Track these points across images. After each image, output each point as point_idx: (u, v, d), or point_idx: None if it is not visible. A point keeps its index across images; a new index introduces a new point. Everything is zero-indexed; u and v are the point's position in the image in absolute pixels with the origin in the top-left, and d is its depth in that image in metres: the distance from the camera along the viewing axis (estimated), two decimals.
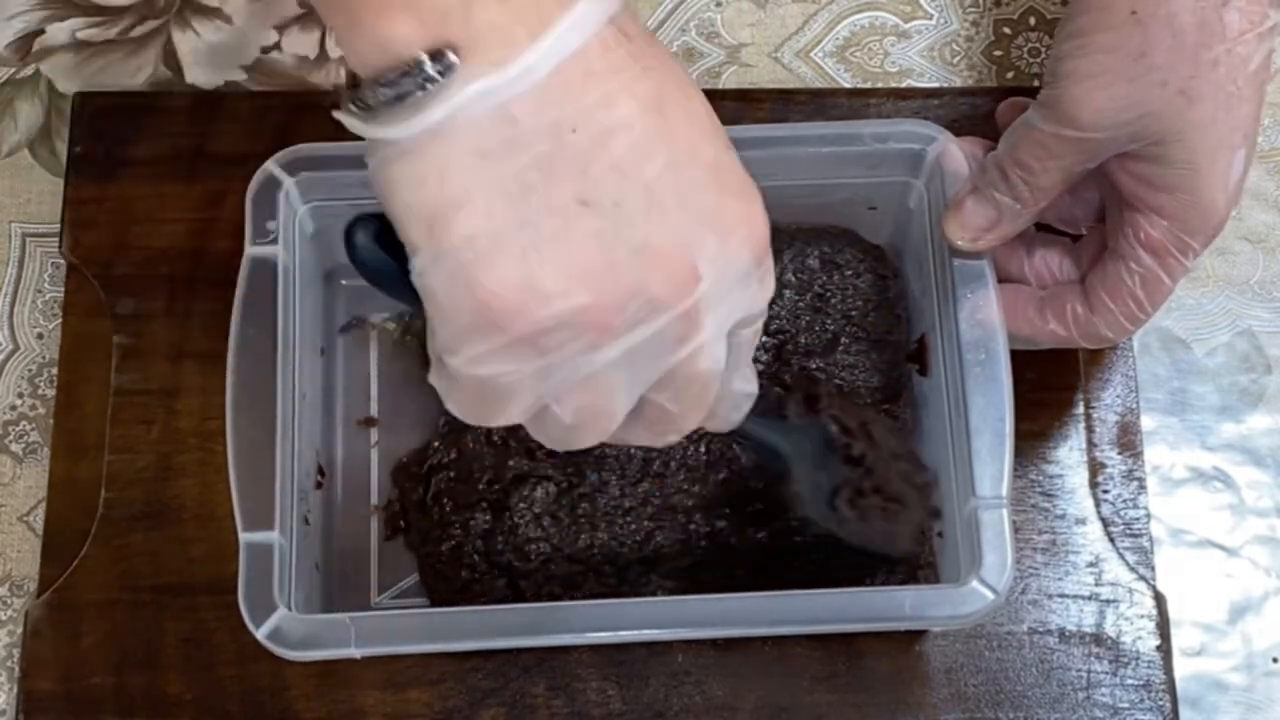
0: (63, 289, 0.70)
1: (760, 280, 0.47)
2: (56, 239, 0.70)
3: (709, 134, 0.45)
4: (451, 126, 0.41)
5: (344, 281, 0.69)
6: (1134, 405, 0.68)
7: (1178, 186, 0.57)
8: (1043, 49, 0.75)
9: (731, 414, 0.53)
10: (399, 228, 0.43)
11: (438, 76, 0.41)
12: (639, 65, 0.43)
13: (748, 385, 0.52)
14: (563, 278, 0.42)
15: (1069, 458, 0.67)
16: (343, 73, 0.44)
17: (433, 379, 0.46)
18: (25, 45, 0.75)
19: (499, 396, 0.45)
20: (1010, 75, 0.74)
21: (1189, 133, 0.56)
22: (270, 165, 0.62)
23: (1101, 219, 0.63)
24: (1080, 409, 0.68)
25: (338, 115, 0.43)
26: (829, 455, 0.60)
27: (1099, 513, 0.67)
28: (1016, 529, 0.65)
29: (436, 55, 0.41)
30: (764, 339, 0.67)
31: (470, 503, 0.65)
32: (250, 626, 0.57)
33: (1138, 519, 0.67)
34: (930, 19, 0.75)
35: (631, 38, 0.43)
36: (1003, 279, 0.62)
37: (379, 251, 0.45)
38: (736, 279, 0.45)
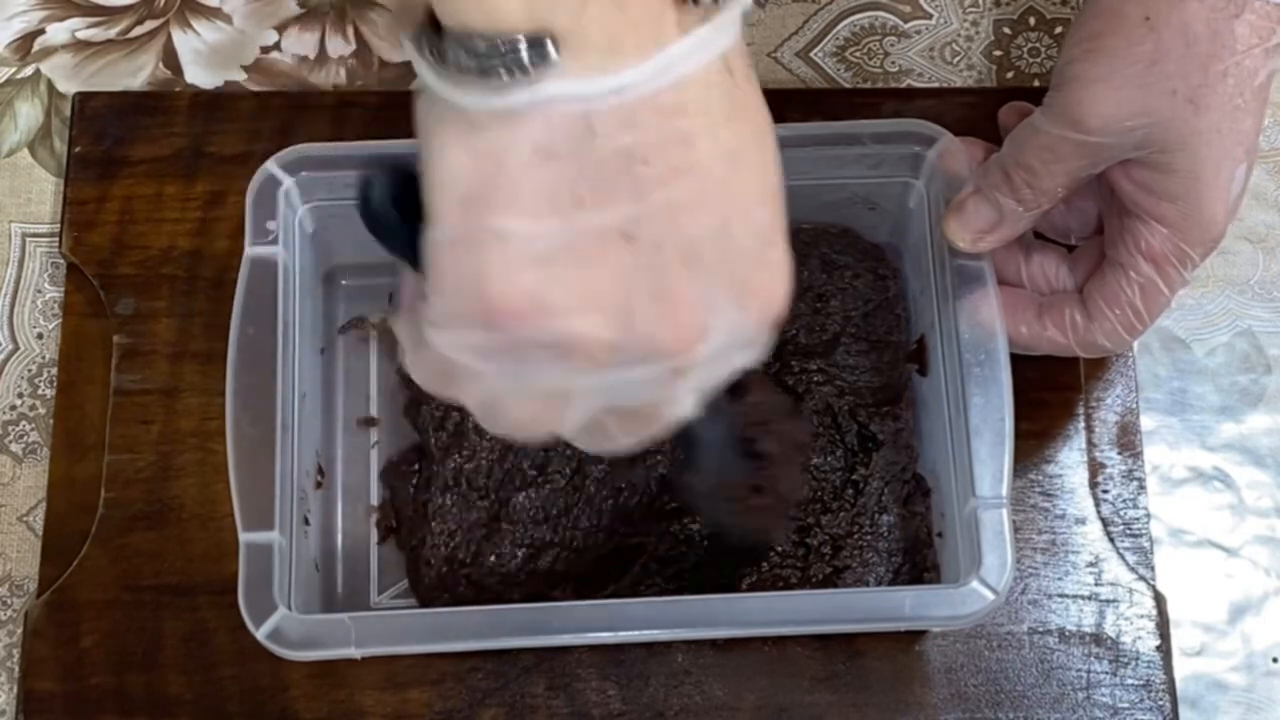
0: (63, 289, 0.70)
1: (757, 347, 0.46)
2: (56, 239, 0.70)
3: (770, 196, 0.44)
4: (526, 116, 0.39)
5: (344, 281, 0.69)
6: (1134, 405, 0.68)
7: (1180, 196, 0.58)
8: (1043, 49, 0.75)
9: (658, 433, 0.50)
10: (430, 190, 0.41)
11: (530, 66, 0.38)
12: (731, 107, 0.41)
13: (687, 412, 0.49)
14: (576, 301, 0.41)
15: (1069, 458, 0.67)
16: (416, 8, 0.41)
17: (400, 331, 0.45)
18: (25, 45, 0.75)
19: (462, 379, 0.44)
20: (1010, 75, 0.74)
21: (1194, 142, 0.56)
22: (270, 165, 0.62)
23: (1096, 232, 0.63)
24: (1080, 409, 0.68)
25: (406, 46, 0.40)
26: (730, 448, 0.58)
27: (1099, 513, 0.67)
28: (1016, 529, 0.65)
29: (535, 43, 0.38)
30: None
31: (459, 501, 0.65)
32: (250, 626, 0.57)
33: (1138, 519, 0.67)
34: (930, 19, 0.75)
35: (734, 75, 0.42)
36: (999, 282, 0.62)
37: (393, 212, 0.43)
38: (738, 345, 0.44)
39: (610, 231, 0.40)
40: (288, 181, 0.62)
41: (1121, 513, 0.67)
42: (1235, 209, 0.58)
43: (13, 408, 0.69)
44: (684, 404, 0.46)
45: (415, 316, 0.44)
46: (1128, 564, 0.66)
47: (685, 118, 0.40)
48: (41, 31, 0.75)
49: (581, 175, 0.40)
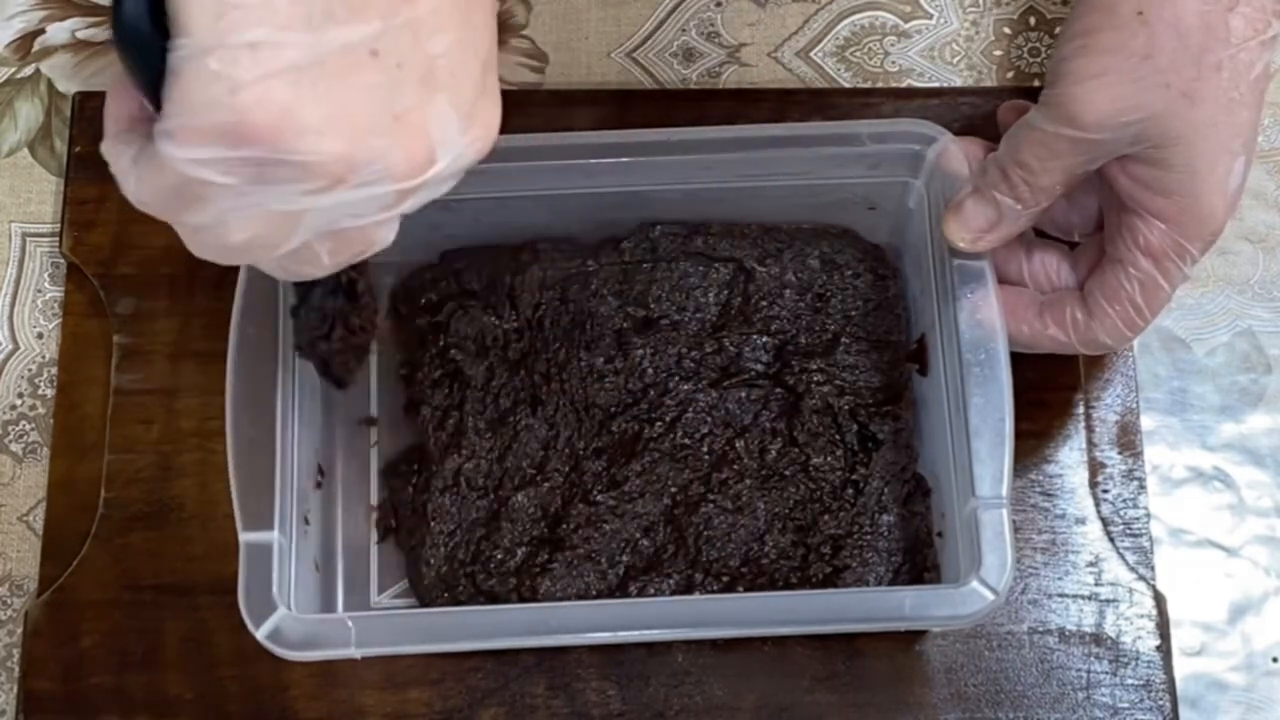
0: (63, 289, 0.70)
1: (458, 178, 0.47)
2: (56, 239, 0.70)
3: (490, 31, 0.45)
4: None
5: None
6: (1134, 405, 0.68)
7: (1177, 190, 0.58)
8: (1043, 49, 0.75)
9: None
10: (180, 3, 0.40)
11: None
12: None
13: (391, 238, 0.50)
14: (325, 119, 0.41)
15: (1069, 458, 0.67)
16: None
17: (113, 155, 0.45)
18: (25, 45, 0.75)
19: (190, 199, 0.44)
20: (1010, 75, 0.74)
21: (1190, 136, 0.56)
22: None
23: (1098, 229, 0.63)
24: (1080, 409, 0.68)
25: None
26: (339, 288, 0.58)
27: (1099, 513, 0.67)
28: (1016, 529, 0.65)
29: None
30: (764, 339, 0.67)
31: (458, 501, 0.65)
32: (250, 627, 0.57)
33: (1138, 519, 0.67)
34: (930, 19, 0.75)
35: None
36: (1001, 281, 0.62)
37: (147, 21, 0.42)
38: (454, 173, 0.46)
39: (359, 49, 0.41)
40: None
41: (1121, 513, 0.67)
42: (1234, 203, 0.58)
43: (13, 408, 0.69)
44: (391, 229, 0.47)
45: (135, 137, 0.44)
46: (1128, 564, 0.66)
47: None
48: (41, 31, 0.75)
49: None
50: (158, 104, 0.42)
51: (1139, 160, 0.58)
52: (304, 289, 0.57)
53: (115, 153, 0.45)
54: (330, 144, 0.41)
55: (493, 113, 0.46)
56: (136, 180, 0.45)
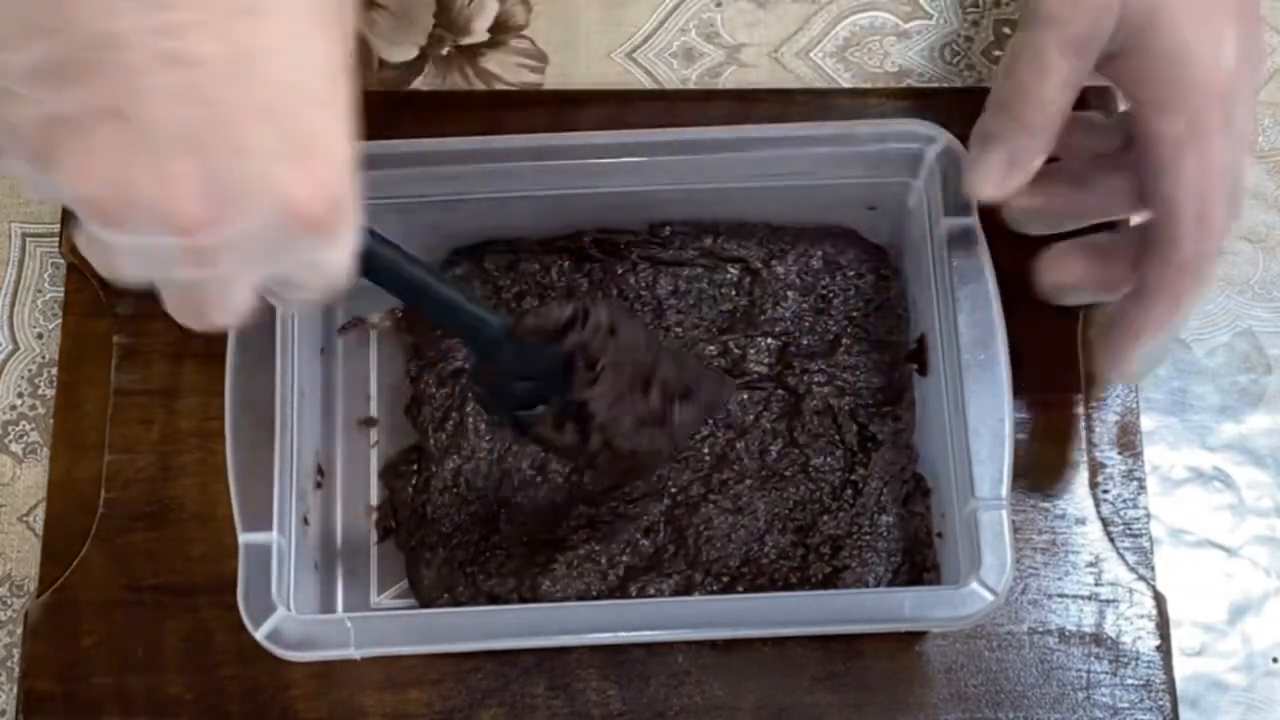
0: (63, 289, 0.70)
1: (327, 251, 0.46)
2: (56, 239, 0.70)
3: (310, 99, 0.44)
4: None
5: None
6: (1134, 405, 0.68)
7: (1172, 66, 0.57)
8: None
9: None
10: None
11: None
12: (237, 4, 0.41)
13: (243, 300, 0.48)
14: (72, 167, 0.42)
15: (1069, 458, 0.67)
16: None
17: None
18: None
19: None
20: None
21: (1169, 9, 0.56)
22: None
23: (1131, 209, 0.61)
24: (1080, 409, 0.68)
25: None
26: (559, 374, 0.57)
27: (1099, 513, 0.67)
28: (1016, 529, 0.65)
29: None
30: (767, 341, 0.67)
31: (458, 502, 0.65)
32: (250, 627, 0.57)
33: (1138, 519, 0.67)
34: (930, 19, 0.75)
35: None
36: (1060, 227, 0.62)
37: None
38: (284, 240, 0.44)
39: (102, 110, 0.41)
40: None
41: (1121, 513, 0.67)
42: (1239, 72, 0.57)
43: (13, 408, 0.69)
44: (239, 294, 0.46)
45: None
46: (1128, 564, 0.66)
47: (174, 11, 0.40)
48: None
49: (69, 52, 0.40)
50: None
51: (1128, 53, 0.57)
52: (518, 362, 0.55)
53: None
54: (85, 189, 0.42)
55: (302, 186, 0.43)
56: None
